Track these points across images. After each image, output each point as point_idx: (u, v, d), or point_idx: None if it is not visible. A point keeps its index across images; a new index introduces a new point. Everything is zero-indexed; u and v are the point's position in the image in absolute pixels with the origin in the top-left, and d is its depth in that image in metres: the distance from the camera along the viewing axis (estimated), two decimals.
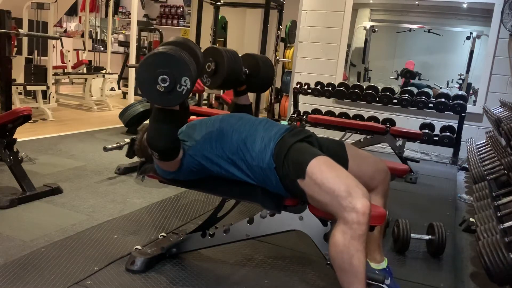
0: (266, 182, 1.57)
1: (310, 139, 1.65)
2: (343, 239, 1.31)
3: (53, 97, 5.40)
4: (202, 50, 1.68)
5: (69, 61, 6.70)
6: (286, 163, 1.50)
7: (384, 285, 1.59)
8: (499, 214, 1.81)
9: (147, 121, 2.07)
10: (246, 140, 1.59)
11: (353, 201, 1.31)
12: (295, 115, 4.80)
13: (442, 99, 4.19)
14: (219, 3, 6.22)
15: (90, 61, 7.12)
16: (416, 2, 5.54)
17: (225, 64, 1.74)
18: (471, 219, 2.56)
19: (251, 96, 6.45)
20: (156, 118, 1.51)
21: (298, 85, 4.88)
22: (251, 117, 1.74)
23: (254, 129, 1.62)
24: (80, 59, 7.03)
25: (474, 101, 4.85)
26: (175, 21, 9.62)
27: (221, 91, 6.17)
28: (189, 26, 8.43)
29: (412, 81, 5.70)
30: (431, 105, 4.22)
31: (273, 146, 1.55)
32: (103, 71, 6.62)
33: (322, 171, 1.42)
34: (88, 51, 7.23)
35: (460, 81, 5.51)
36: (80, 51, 7.22)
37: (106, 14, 7.96)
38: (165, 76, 1.37)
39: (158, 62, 1.39)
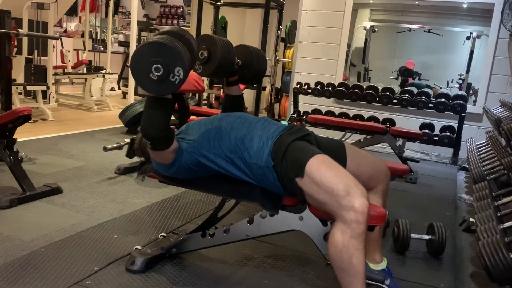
0: (264, 180, 1.57)
1: (308, 138, 1.64)
2: (342, 238, 1.31)
3: (53, 97, 5.40)
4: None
5: (69, 61, 6.69)
6: (284, 161, 1.50)
7: (384, 285, 1.59)
8: (499, 214, 1.81)
9: None
10: (244, 138, 1.59)
11: (352, 200, 1.31)
12: (295, 115, 4.80)
13: (442, 99, 4.19)
14: (219, 3, 6.22)
15: (90, 61, 7.11)
16: (416, 2, 5.55)
17: (218, 52, 1.73)
18: (471, 219, 2.56)
19: (251, 96, 6.44)
20: (149, 106, 1.53)
21: (298, 85, 4.88)
22: (250, 116, 1.74)
23: (253, 128, 1.62)
24: (80, 59, 7.02)
25: (474, 101, 4.84)
26: (175, 21, 9.63)
27: (221, 91, 6.17)
28: (189, 26, 8.42)
29: (411, 79, 5.70)
30: (431, 105, 4.22)
31: (271, 145, 1.55)
32: (103, 71, 6.62)
33: (320, 170, 1.41)
34: (88, 51, 7.23)
35: (460, 81, 5.51)
36: (80, 51, 7.22)
37: (106, 14, 7.97)
38: (158, 65, 1.38)
39: (152, 51, 1.39)
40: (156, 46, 1.40)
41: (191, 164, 1.64)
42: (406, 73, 5.70)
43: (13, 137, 2.54)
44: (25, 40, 5.35)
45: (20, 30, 4.23)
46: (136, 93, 5.93)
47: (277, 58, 5.82)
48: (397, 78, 5.81)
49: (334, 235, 1.34)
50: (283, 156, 1.50)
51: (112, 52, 7.50)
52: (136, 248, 1.91)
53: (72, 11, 9.17)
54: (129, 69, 1.46)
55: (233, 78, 1.95)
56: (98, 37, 8.23)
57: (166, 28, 1.54)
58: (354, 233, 1.30)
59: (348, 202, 1.31)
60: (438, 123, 4.44)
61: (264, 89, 6.46)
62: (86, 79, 6.35)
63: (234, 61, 1.85)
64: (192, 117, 3.16)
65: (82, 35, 8.15)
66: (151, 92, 1.47)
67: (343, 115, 4.63)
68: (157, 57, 1.38)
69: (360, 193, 1.33)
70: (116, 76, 7.34)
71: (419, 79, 5.75)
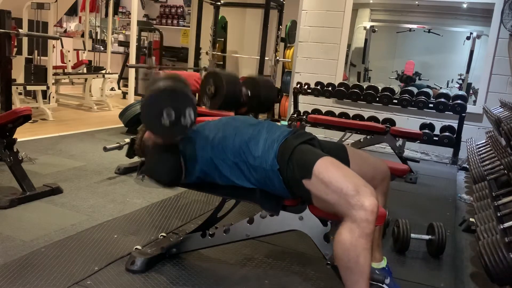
0: (268, 184, 1.57)
1: (313, 142, 1.67)
2: (350, 237, 1.32)
3: (53, 97, 5.40)
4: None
5: (69, 61, 6.69)
6: (290, 164, 1.51)
7: (384, 285, 1.59)
8: (499, 214, 1.81)
9: None
10: (249, 142, 1.61)
11: (361, 199, 1.32)
12: (295, 115, 4.80)
13: (442, 99, 4.19)
14: (219, 3, 6.22)
15: (90, 61, 7.11)
16: (416, 2, 5.55)
17: (224, 87, 1.83)
18: (471, 219, 2.56)
19: None
20: (158, 152, 1.57)
21: (298, 85, 4.88)
22: (254, 120, 1.76)
23: (257, 131, 1.64)
24: (80, 59, 7.02)
25: (474, 101, 4.84)
26: (175, 21, 9.61)
27: None
28: (189, 26, 8.42)
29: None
30: (431, 105, 4.22)
31: (277, 148, 1.56)
32: (103, 71, 6.62)
33: (329, 171, 1.43)
34: (88, 51, 7.22)
35: (460, 81, 5.51)
36: (80, 51, 7.21)
37: (106, 14, 7.97)
38: (169, 111, 1.44)
39: (162, 97, 1.45)
40: (165, 92, 1.46)
41: (195, 171, 1.67)
42: (408, 80, 5.68)
43: (13, 137, 2.54)
44: (25, 40, 5.35)
45: (20, 30, 4.23)
46: (136, 93, 5.93)
47: (277, 58, 5.82)
48: (397, 78, 5.82)
49: (341, 234, 1.34)
50: (289, 158, 1.52)
51: (112, 52, 7.49)
52: (136, 248, 1.91)
53: (72, 11, 9.16)
54: (141, 118, 1.50)
55: (242, 110, 2.02)
56: (98, 37, 8.22)
57: (161, 75, 1.57)
58: (363, 232, 1.31)
59: (357, 201, 1.32)
60: (438, 123, 4.44)
61: None
62: (86, 79, 6.34)
63: (240, 93, 1.93)
64: None
65: (82, 35, 8.14)
66: (166, 138, 1.52)
67: (343, 115, 4.62)
68: (167, 102, 1.44)
69: (369, 193, 1.34)
70: (116, 76, 7.33)
71: (419, 79, 5.75)
